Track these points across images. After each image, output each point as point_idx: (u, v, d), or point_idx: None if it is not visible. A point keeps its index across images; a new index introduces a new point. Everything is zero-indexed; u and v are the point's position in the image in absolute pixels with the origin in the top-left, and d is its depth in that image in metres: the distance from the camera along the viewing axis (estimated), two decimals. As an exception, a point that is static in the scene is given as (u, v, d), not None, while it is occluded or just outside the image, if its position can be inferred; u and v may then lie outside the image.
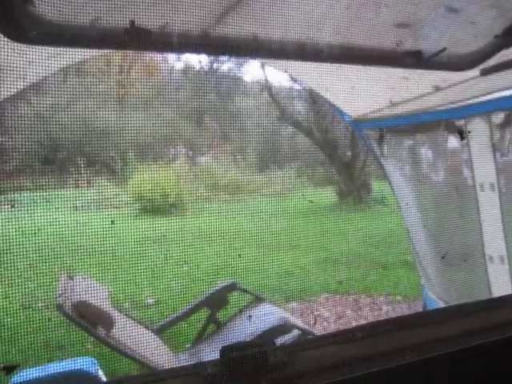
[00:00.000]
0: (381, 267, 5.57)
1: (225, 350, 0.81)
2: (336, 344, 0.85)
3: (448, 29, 1.75)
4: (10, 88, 1.34)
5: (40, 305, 3.63)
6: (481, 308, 1.02)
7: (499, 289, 2.88)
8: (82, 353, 3.37)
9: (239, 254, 2.17)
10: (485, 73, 1.96)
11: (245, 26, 1.47)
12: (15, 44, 1.12)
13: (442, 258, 2.76)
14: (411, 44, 1.68)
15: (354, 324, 4.54)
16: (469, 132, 2.70)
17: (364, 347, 0.86)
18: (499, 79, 2.07)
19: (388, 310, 4.77)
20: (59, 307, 2.57)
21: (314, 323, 4.25)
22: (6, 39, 1.09)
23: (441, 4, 1.64)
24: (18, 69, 1.20)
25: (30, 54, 1.18)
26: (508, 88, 2.38)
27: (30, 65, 1.20)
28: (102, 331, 2.60)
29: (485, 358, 0.93)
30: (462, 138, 2.70)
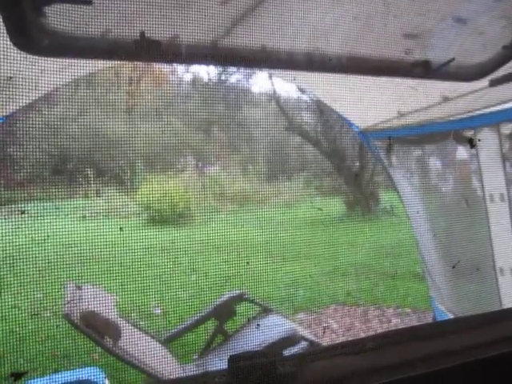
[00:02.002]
0: (390, 278, 5.52)
1: (233, 360, 0.81)
2: (345, 355, 0.84)
3: (456, 39, 1.75)
4: (23, 99, 1.36)
5: (47, 314, 3.64)
6: (492, 320, 1.00)
7: (510, 301, 2.84)
8: (89, 363, 3.37)
9: (247, 262, 2.17)
10: (494, 83, 1.95)
11: (253, 37, 1.49)
12: (28, 55, 1.14)
13: (453, 267, 2.74)
14: (419, 54, 1.68)
15: (362, 336, 4.49)
16: (479, 140, 2.69)
17: (374, 358, 0.85)
18: (508, 90, 2.07)
19: (397, 323, 4.71)
20: (66, 316, 2.57)
21: (323, 333, 4.21)
22: (18, 51, 1.11)
23: (449, 14, 1.64)
24: (30, 80, 1.22)
25: (42, 66, 1.20)
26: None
27: (41, 76, 1.22)
28: (108, 341, 2.60)
29: (496, 370, 0.91)
30: (472, 147, 2.69)
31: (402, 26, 1.65)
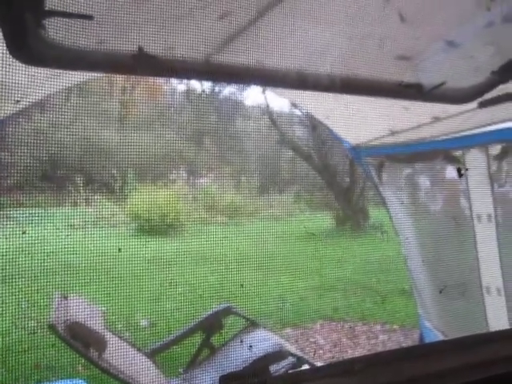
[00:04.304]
0: (378, 295, 5.53)
1: (224, 379, 0.81)
2: (334, 376, 0.85)
3: (447, 63, 1.79)
4: (15, 106, 1.36)
5: (32, 324, 3.58)
6: (480, 342, 1.01)
7: (496, 320, 2.86)
8: (73, 375, 3.31)
9: (241, 284, 2.17)
10: (483, 105, 2.00)
11: (248, 53, 1.51)
12: (22, 64, 1.14)
13: (440, 292, 2.76)
14: (411, 76, 1.72)
15: (349, 352, 4.49)
16: (466, 169, 2.74)
17: (362, 379, 0.85)
18: (497, 111, 2.11)
19: (384, 340, 4.71)
20: (52, 327, 2.54)
21: (314, 351, 4.19)
22: (14, 60, 1.11)
23: (440, 38, 1.68)
24: (23, 87, 1.22)
25: (35, 73, 1.21)
26: (505, 120, 2.42)
27: (34, 83, 1.22)
28: (94, 353, 2.56)
29: (483, 392, 0.92)
30: (461, 175, 2.74)
31: (395, 49, 1.69)
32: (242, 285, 2.15)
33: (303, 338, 4.65)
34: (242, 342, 3.26)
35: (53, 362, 3.27)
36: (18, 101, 1.09)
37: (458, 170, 2.75)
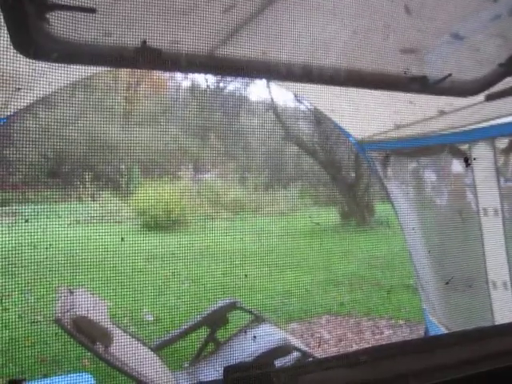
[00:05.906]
0: (383, 290, 5.52)
1: (228, 371, 0.81)
2: (339, 367, 0.84)
3: (453, 55, 1.78)
4: (21, 101, 1.36)
5: (38, 318, 3.61)
6: (485, 335, 1.01)
7: (502, 315, 2.85)
8: (79, 368, 3.34)
9: (246, 275, 2.17)
10: (490, 98, 1.98)
11: (253, 46, 1.50)
12: (26, 59, 1.14)
13: (447, 283, 2.75)
14: (417, 69, 1.70)
15: (354, 347, 4.49)
16: (474, 159, 2.72)
17: (367, 372, 0.85)
18: (504, 105, 2.09)
19: (390, 335, 4.71)
20: (58, 321, 2.55)
21: (319, 346, 4.19)
22: (17, 54, 1.11)
23: (446, 31, 1.67)
24: (26, 81, 1.22)
25: (40, 68, 1.20)
26: (513, 114, 2.40)
27: (39, 79, 1.22)
28: (100, 347, 2.57)
29: (488, 386, 0.92)
30: (468, 165, 2.71)
31: (400, 41, 1.68)
32: (246, 275, 2.15)
33: (309, 332, 4.65)
34: (246, 336, 3.27)
35: (59, 355, 3.29)
36: (18, 88, 1.09)
37: (465, 160, 2.72)
